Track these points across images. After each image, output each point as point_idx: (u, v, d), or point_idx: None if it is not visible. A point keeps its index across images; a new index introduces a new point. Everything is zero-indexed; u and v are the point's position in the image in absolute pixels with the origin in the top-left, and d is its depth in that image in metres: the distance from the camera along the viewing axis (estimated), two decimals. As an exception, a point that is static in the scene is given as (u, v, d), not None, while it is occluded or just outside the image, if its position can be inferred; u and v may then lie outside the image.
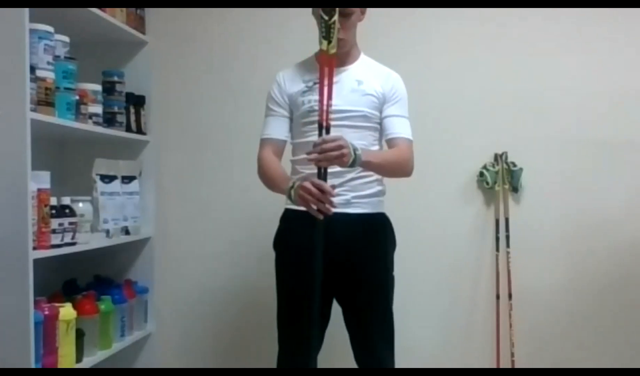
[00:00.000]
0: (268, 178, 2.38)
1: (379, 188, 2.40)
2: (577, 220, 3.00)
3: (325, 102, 2.20)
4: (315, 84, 2.34)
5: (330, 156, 2.13)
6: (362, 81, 2.37)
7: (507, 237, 2.99)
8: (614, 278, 2.98)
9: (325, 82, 2.20)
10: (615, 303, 2.99)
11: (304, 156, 2.26)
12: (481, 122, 3.01)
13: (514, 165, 3.00)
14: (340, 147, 2.14)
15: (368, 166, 2.28)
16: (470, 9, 2.98)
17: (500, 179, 2.99)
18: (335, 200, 2.22)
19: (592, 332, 2.99)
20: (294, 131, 2.43)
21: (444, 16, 3.00)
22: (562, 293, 3.01)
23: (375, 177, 2.38)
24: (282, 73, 2.46)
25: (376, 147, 2.41)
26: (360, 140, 2.30)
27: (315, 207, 2.16)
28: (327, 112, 2.20)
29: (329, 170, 2.23)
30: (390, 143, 2.39)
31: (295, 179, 2.28)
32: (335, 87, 2.31)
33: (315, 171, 2.21)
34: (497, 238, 3.00)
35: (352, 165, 2.19)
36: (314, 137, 2.26)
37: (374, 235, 2.37)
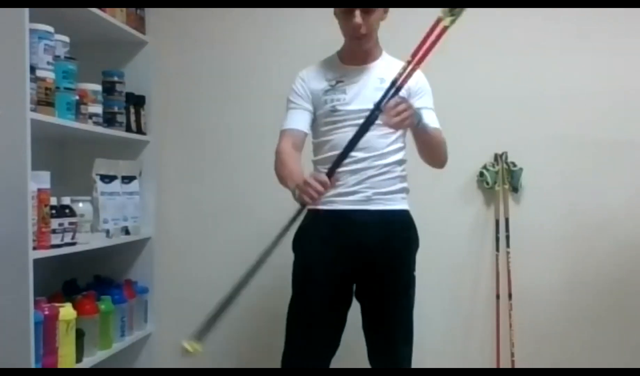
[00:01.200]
0: (281, 171, 2.31)
1: (402, 185, 2.38)
2: (577, 220, 3.00)
3: (411, 66, 2.16)
4: (338, 83, 2.34)
5: (406, 115, 2.11)
6: (385, 79, 2.31)
7: (507, 237, 2.99)
8: (614, 278, 2.98)
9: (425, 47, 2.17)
10: (615, 303, 2.99)
11: (327, 155, 2.28)
12: (481, 122, 3.01)
13: (514, 165, 3.00)
14: (410, 107, 2.13)
15: (425, 130, 2.25)
16: (469, 8, 2.97)
17: (500, 179, 2.99)
18: (355, 197, 2.27)
19: (592, 332, 2.98)
20: (315, 130, 2.41)
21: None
22: (562, 293, 3.01)
23: (398, 173, 2.36)
24: (306, 70, 2.43)
25: (400, 144, 2.38)
26: (385, 139, 2.30)
27: (310, 198, 2.12)
28: (408, 75, 2.16)
29: (349, 167, 2.25)
30: None
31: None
32: (356, 86, 2.33)
33: (341, 169, 2.23)
34: (497, 238, 3.00)
35: (417, 125, 2.20)
36: (336, 137, 2.29)
37: (395, 234, 2.34)
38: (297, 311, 2.35)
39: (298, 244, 2.37)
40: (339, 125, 2.32)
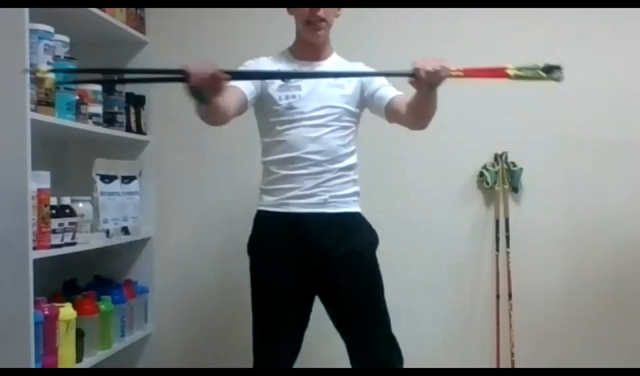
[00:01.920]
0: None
1: (355, 189, 2.36)
2: (577, 220, 3.00)
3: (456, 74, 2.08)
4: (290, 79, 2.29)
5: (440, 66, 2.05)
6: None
7: (507, 237, 2.99)
8: (614, 278, 2.98)
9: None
10: (615, 303, 2.99)
11: (283, 156, 2.25)
12: (481, 122, 3.01)
13: (514, 165, 3.00)
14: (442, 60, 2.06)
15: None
16: (469, 8, 2.98)
17: (500, 179, 2.99)
18: (311, 200, 2.25)
19: (592, 332, 2.98)
20: (266, 129, 2.35)
21: (443, 16, 3.00)
22: (562, 293, 3.01)
23: (351, 177, 2.34)
24: (254, 61, 2.37)
25: (353, 147, 2.35)
26: (339, 141, 2.29)
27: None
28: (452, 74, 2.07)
29: (306, 170, 2.24)
30: (391, 104, 2.30)
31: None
32: (311, 83, 2.28)
33: (290, 173, 2.23)
34: (497, 238, 3.00)
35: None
36: (291, 136, 2.25)
37: (353, 235, 2.32)
38: (261, 321, 2.33)
39: (254, 250, 2.37)
40: (295, 123, 2.27)
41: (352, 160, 2.35)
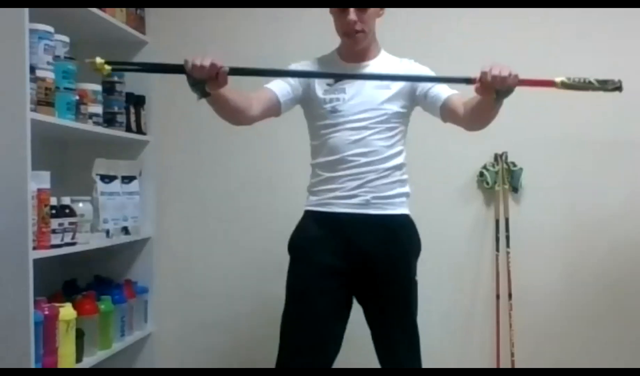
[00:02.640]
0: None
1: (402, 190, 2.31)
2: (577, 220, 3.00)
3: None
4: (336, 81, 2.28)
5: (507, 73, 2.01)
6: None
7: (507, 237, 2.99)
8: (614, 278, 2.99)
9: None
10: (615, 303, 2.99)
11: (328, 159, 2.25)
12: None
13: (514, 165, 3.00)
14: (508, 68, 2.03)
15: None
16: (469, 9, 2.98)
17: (500, 179, 2.99)
18: (354, 201, 2.24)
19: (592, 332, 2.99)
20: (313, 131, 2.35)
21: (443, 16, 3.00)
22: (562, 292, 3.01)
23: (397, 177, 2.30)
24: (301, 64, 2.34)
25: (401, 148, 2.32)
26: (383, 142, 2.26)
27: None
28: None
29: (349, 171, 2.23)
30: (447, 104, 2.26)
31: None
32: (356, 85, 2.26)
33: (332, 174, 2.22)
34: (497, 238, 3.00)
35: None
36: (335, 139, 2.24)
37: (394, 238, 2.28)
38: (294, 318, 2.28)
39: (294, 248, 2.32)
40: (339, 126, 2.26)
41: (399, 160, 2.30)
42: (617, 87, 2.12)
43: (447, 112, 2.28)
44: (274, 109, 2.31)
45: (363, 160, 2.25)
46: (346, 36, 2.28)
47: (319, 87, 2.30)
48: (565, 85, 2.09)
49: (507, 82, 2.01)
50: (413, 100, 2.33)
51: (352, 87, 2.28)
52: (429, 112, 2.35)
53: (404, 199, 2.33)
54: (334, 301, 2.27)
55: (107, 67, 1.99)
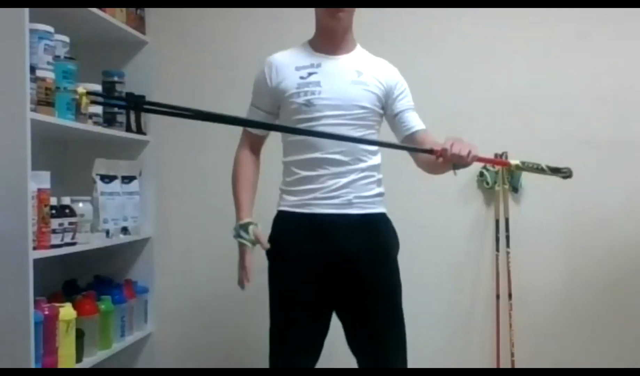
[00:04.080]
0: (235, 187, 2.30)
1: (380, 190, 2.30)
2: (576, 220, 3.00)
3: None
4: (310, 74, 2.22)
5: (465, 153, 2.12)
6: (362, 72, 2.24)
7: (507, 237, 2.99)
8: (614, 278, 2.98)
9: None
10: (615, 303, 2.99)
11: (305, 157, 2.20)
12: (481, 122, 3.01)
13: (514, 165, 3.00)
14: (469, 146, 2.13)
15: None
16: (469, 9, 2.98)
17: (500, 179, 2.99)
18: (336, 201, 2.20)
19: (592, 332, 2.99)
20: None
21: (444, 16, 3.00)
22: (562, 293, 3.01)
23: (376, 177, 2.28)
24: (273, 59, 2.31)
25: (377, 149, 2.29)
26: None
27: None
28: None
29: (329, 170, 2.19)
30: (413, 137, 2.29)
31: (251, 221, 2.22)
32: (331, 78, 2.21)
33: (312, 173, 2.19)
34: (497, 238, 3.00)
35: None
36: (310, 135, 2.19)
37: (378, 236, 2.26)
38: (279, 327, 2.25)
39: (275, 251, 2.24)
40: (315, 121, 2.18)
41: (376, 160, 2.28)
42: (568, 175, 2.23)
43: (409, 143, 2.31)
44: (263, 140, 2.37)
45: (343, 158, 2.20)
46: (329, 16, 2.21)
47: (291, 80, 2.23)
48: (518, 168, 2.27)
49: (465, 161, 2.12)
50: (384, 107, 2.30)
51: (327, 81, 2.21)
52: (392, 129, 2.35)
53: (381, 199, 2.31)
54: (316, 308, 2.22)
55: (86, 100, 2.07)
